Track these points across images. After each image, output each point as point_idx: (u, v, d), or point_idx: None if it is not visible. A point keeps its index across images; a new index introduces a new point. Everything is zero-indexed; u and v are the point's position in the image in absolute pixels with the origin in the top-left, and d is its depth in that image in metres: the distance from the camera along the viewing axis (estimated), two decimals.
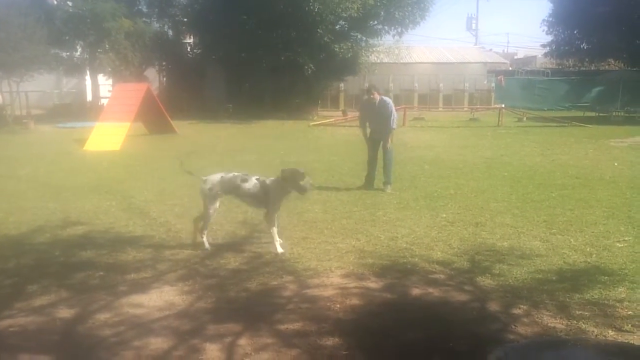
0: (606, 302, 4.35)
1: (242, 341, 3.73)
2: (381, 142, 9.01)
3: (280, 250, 5.59)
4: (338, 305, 4.29)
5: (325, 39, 24.19)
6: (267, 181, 5.77)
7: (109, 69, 25.45)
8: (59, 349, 3.71)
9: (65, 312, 4.23)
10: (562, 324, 3.95)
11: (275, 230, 5.68)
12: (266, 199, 5.68)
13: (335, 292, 4.55)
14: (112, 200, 8.21)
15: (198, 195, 6.13)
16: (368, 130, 9.08)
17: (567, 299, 4.39)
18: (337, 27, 25.80)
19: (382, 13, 25.51)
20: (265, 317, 4.11)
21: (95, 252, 5.70)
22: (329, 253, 5.59)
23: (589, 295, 4.49)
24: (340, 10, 23.17)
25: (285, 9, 23.61)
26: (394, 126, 8.95)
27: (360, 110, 9.28)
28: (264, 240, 6.09)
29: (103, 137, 15.24)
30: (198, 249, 5.75)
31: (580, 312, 4.15)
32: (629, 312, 4.12)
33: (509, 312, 4.16)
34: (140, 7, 27.89)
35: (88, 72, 27.78)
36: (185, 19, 28.38)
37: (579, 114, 26.33)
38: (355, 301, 4.39)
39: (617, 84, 28.85)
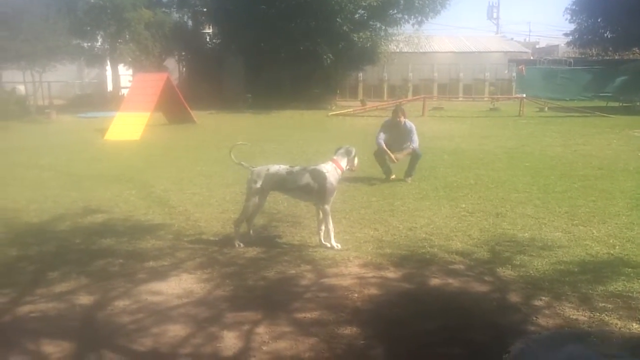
0: (630, 294, 4.25)
1: (260, 329, 3.73)
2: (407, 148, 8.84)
3: (336, 244, 5.39)
4: (356, 295, 4.27)
5: (345, 28, 24.07)
6: (320, 168, 5.46)
7: (129, 59, 25.66)
8: (79, 335, 3.75)
9: (85, 299, 4.27)
10: (585, 316, 3.87)
11: (331, 221, 5.42)
12: (320, 188, 5.40)
13: (354, 282, 4.53)
14: (132, 189, 8.27)
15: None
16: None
17: (590, 291, 4.31)
18: (357, 16, 25.63)
19: (401, 1, 25.31)
20: (283, 305, 4.10)
21: (115, 240, 5.75)
22: (347, 243, 5.56)
23: (612, 287, 4.39)
24: None
25: None
26: (417, 147, 8.80)
27: (382, 128, 8.98)
28: (281, 230, 6.10)
29: (123, 126, 15.38)
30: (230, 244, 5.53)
31: (603, 304, 4.07)
32: None
33: (530, 304, 4.10)
34: None
35: (109, 63, 28.04)
36: (204, 9, 28.47)
37: (602, 104, 25.83)
38: (373, 291, 4.36)
39: None
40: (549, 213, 6.77)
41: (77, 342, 3.63)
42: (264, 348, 3.50)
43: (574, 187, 8.30)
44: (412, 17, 26.41)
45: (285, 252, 5.35)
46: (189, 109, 18.56)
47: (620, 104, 24.78)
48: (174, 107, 18.29)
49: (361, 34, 24.81)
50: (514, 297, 4.23)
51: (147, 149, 12.83)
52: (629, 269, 4.81)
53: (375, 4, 23.44)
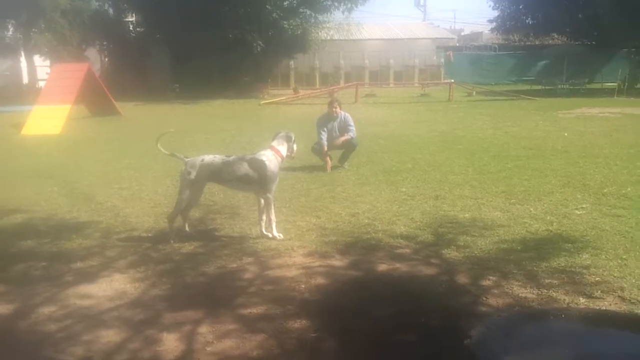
0: (573, 269, 4.30)
1: (203, 329, 3.47)
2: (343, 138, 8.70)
3: (278, 234, 5.16)
4: (303, 286, 4.07)
5: (274, 15, 23.72)
6: (258, 156, 5.19)
7: (46, 50, 24.14)
8: None
9: (3, 308, 3.84)
10: (533, 293, 3.86)
11: (273, 211, 5.19)
12: (261, 177, 5.13)
13: (300, 272, 4.33)
14: (54, 186, 7.69)
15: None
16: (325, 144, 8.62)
17: (535, 268, 4.32)
18: (286, 3, 25.37)
19: None
20: (226, 302, 3.85)
21: (37, 241, 5.27)
22: (289, 232, 5.35)
23: (555, 263, 4.43)
24: None
25: None
26: (354, 136, 8.73)
27: (319, 124, 8.78)
28: (219, 222, 5.81)
29: (42, 120, 14.43)
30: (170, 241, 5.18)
31: (549, 280, 4.08)
32: (596, 279, 4.08)
33: (479, 284, 4.05)
34: None
35: (23, 53, 26.25)
36: None
37: (526, 87, 26.90)
38: (320, 280, 4.18)
39: (562, 58, 29.65)
40: (487, 193, 6.84)
41: None
42: (208, 349, 3.24)
43: (508, 167, 8.47)
44: (342, 4, 26.34)
45: (224, 245, 5.08)
46: (113, 100, 17.68)
47: (543, 87, 25.90)
48: (97, 98, 17.38)
49: (291, 21, 24.52)
50: (462, 279, 4.18)
51: (69, 143, 12.07)
52: (569, 245, 4.89)
53: None
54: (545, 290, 3.90)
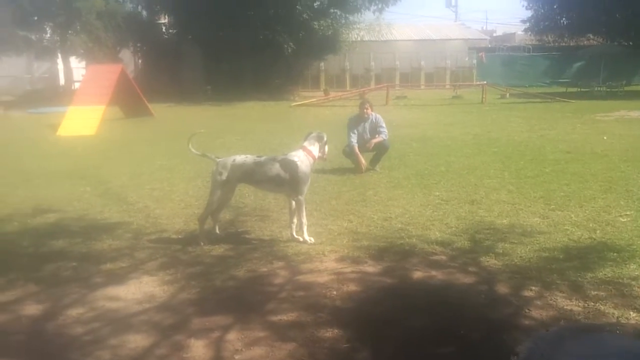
0: (620, 280, 4.07)
1: (231, 336, 3.37)
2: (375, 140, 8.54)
3: (309, 238, 5.04)
4: (335, 292, 3.94)
5: (305, 16, 23.66)
6: (290, 157, 5.07)
7: (82, 51, 24.57)
8: (25, 350, 3.31)
9: (32, 308, 3.81)
10: (579, 306, 3.65)
11: (304, 214, 5.08)
12: (293, 178, 5.02)
13: (331, 278, 4.20)
14: (87, 186, 7.73)
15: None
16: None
17: (579, 279, 4.10)
18: (317, 3, 25.24)
19: None
20: (256, 307, 3.74)
21: (68, 241, 5.27)
22: (320, 236, 5.23)
23: (601, 273, 4.20)
24: None
25: None
26: (386, 138, 8.58)
27: (350, 126, 8.63)
28: (249, 224, 5.73)
29: (77, 121, 14.60)
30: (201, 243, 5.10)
31: (595, 292, 3.86)
32: None
33: (520, 295, 3.85)
34: None
35: (60, 55, 26.79)
36: None
37: (562, 89, 26.22)
38: (353, 287, 4.04)
39: (599, 59, 28.87)
40: (524, 198, 6.60)
41: (23, 359, 3.19)
42: (237, 357, 3.14)
43: (546, 171, 8.19)
44: (373, 4, 26.16)
45: (255, 248, 4.98)
46: (146, 101, 17.84)
47: (579, 89, 25.21)
48: (130, 99, 17.55)
49: (322, 22, 24.43)
50: (502, 289, 3.98)
51: (102, 144, 12.19)
52: (614, 254, 4.64)
53: None
54: (592, 303, 3.68)
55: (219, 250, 4.96)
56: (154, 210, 6.37)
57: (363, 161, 8.36)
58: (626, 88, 25.47)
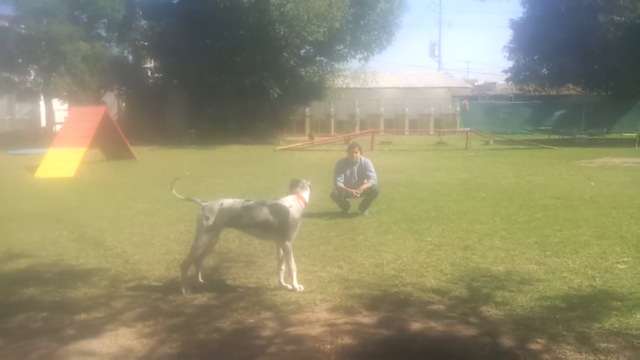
0: (629, 331, 3.85)
1: None
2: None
3: (299, 286, 4.77)
4: (329, 347, 3.65)
5: (291, 62, 23.86)
6: (282, 202, 4.90)
7: (65, 94, 24.37)
8: None
9: None
10: (589, 359, 3.42)
11: (293, 260, 4.83)
12: (282, 224, 4.80)
13: (324, 330, 3.91)
14: (63, 230, 7.38)
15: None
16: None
17: (586, 330, 3.87)
18: (303, 51, 25.57)
19: (348, 38, 25.42)
20: None
21: (40, 289, 4.92)
22: (310, 283, 4.96)
23: (607, 324, 3.98)
24: (306, 34, 22.91)
25: (250, 33, 23.22)
26: (375, 183, 8.43)
27: (337, 169, 8.53)
28: (234, 271, 5.43)
29: (56, 163, 14.29)
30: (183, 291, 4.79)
31: (604, 344, 3.63)
32: None
33: (526, 348, 3.61)
34: (98, 31, 26.96)
35: (42, 97, 26.56)
36: (145, 43, 27.59)
37: (544, 136, 26.59)
38: (348, 340, 3.75)
39: (580, 107, 29.56)
40: (518, 244, 6.42)
41: None
42: None
43: (537, 217, 8.06)
44: (359, 52, 26.58)
45: (240, 297, 4.68)
46: (128, 144, 17.61)
47: (561, 137, 25.61)
48: (113, 142, 17.31)
49: (308, 69, 24.64)
50: (506, 341, 3.73)
51: (81, 186, 11.85)
52: (617, 302, 4.45)
53: (321, 39, 23.37)
54: (603, 357, 3.45)
55: (202, 299, 4.65)
56: (133, 255, 6.05)
57: (353, 191, 8.17)
58: (607, 136, 25.92)
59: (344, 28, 24.24)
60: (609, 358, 3.44)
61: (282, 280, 4.87)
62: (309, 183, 5.22)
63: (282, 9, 22.28)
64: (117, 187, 11.72)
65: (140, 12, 27.80)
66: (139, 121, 26.15)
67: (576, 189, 10.75)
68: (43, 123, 28.60)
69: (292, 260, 4.83)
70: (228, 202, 4.90)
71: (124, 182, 12.47)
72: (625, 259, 5.76)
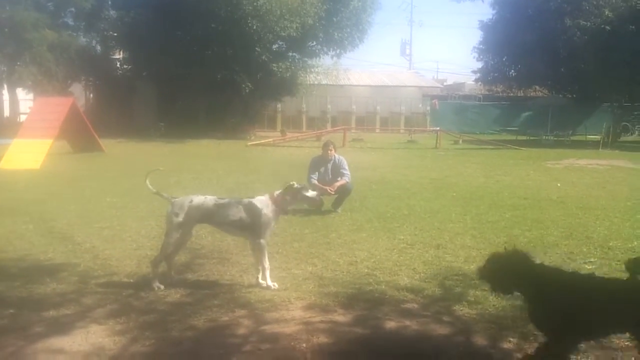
0: None
1: None
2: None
3: (273, 284, 4.74)
4: (304, 345, 3.65)
5: (263, 57, 23.74)
6: (256, 201, 4.86)
7: (30, 83, 23.71)
8: None
9: None
10: None
11: (267, 258, 4.80)
12: (254, 223, 4.77)
13: (299, 328, 3.90)
14: (29, 224, 7.18)
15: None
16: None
17: None
18: (275, 46, 25.47)
19: (321, 34, 25.42)
20: None
21: (6, 285, 4.78)
22: (284, 281, 4.94)
23: None
24: (278, 29, 22.82)
25: (222, 26, 22.98)
26: (349, 180, 8.47)
27: (311, 167, 8.57)
28: (208, 268, 5.38)
29: (21, 154, 13.92)
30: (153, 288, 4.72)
31: None
32: (626, 342, 3.72)
33: (499, 347, 3.67)
34: (65, 19, 26.40)
35: (5, 86, 25.80)
36: (114, 34, 27.06)
37: (511, 137, 27.10)
38: (323, 339, 3.75)
39: (546, 109, 30.19)
40: (489, 244, 6.51)
41: None
42: None
43: (506, 216, 8.20)
44: (331, 49, 26.62)
45: (214, 294, 4.63)
46: (96, 136, 17.25)
47: (528, 138, 26.14)
48: (80, 134, 16.95)
49: (280, 64, 24.57)
50: (479, 340, 3.79)
51: (48, 179, 11.56)
52: None
53: (294, 34, 23.31)
54: (573, 356, 3.52)
55: (175, 296, 4.59)
56: (103, 251, 5.94)
57: (327, 188, 8.16)
58: (572, 138, 26.56)
59: (317, 24, 24.24)
60: (578, 357, 3.52)
61: (260, 277, 4.83)
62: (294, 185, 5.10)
63: (255, 3, 22.15)
64: (85, 180, 11.47)
65: (110, 2, 27.26)
66: (107, 113, 25.71)
67: (543, 189, 10.98)
68: (7, 113, 27.80)
69: (266, 258, 4.80)
70: (198, 199, 4.85)
71: (92, 175, 12.22)
72: (592, 260, 5.90)
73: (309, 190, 5.14)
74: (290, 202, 5.02)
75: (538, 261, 3.34)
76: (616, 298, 3.05)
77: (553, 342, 3.14)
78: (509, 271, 3.21)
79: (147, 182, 5.01)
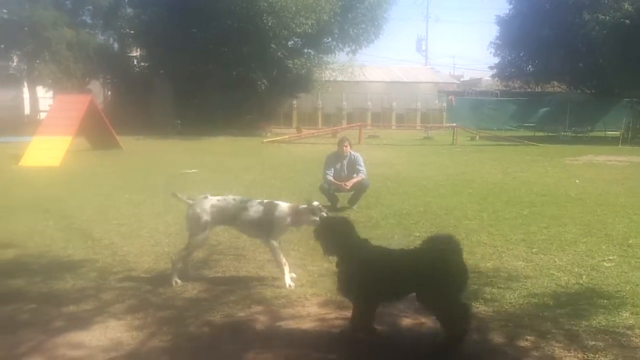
0: (616, 329, 3.91)
1: None
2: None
3: (289, 283, 4.75)
4: (319, 341, 3.66)
5: (279, 54, 23.78)
6: (275, 203, 4.94)
7: (49, 81, 24.02)
8: None
9: None
10: (578, 357, 3.47)
11: (282, 258, 4.83)
12: (270, 225, 4.83)
13: (315, 325, 3.92)
14: (49, 220, 7.29)
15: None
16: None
17: (574, 327, 3.92)
18: (291, 43, 25.50)
19: (336, 30, 25.38)
20: (234, 357, 3.43)
21: (27, 280, 4.86)
22: (300, 277, 4.96)
23: (595, 322, 4.04)
24: (294, 25, 22.83)
25: (238, 23, 23.06)
26: (365, 177, 8.45)
27: (327, 163, 8.56)
28: (224, 264, 5.42)
29: (41, 151, 14.10)
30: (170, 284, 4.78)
31: (592, 342, 3.69)
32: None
33: (516, 345, 3.65)
34: (84, 18, 26.69)
35: (26, 84, 26.17)
36: (132, 32, 27.29)
37: (529, 133, 26.81)
38: (339, 335, 3.76)
39: (564, 105, 29.78)
40: (506, 241, 6.47)
41: None
42: None
43: (523, 213, 8.13)
44: (346, 45, 26.57)
45: (231, 290, 4.67)
46: (114, 134, 17.43)
47: (546, 134, 25.83)
48: (98, 131, 17.12)
49: (296, 61, 24.59)
50: (496, 338, 3.77)
51: (67, 176, 11.71)
52: (604, 301, 4.51)
53: (310, 31, 23.31)
54: (592, 355, 3.50)
55: (192, 292, 4.64)
56: (121, 247, 6.01)
57: (343, 184, 8.19)
58: (591, 134, 26.22)
59: (332, 21, 24.20)
60: (597, 356, 3.49)
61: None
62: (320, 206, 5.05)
63: (270, 0, 22.16)
64: (104, 177, 11.60)
65: (126, 0, 27.48)
66: (124, 110, 25.92)
67: (562, 186, 10.86)
68: (27, 111, 28.19)
69: (281, 256, 4.83)
70: (218, 199, 4.93)
71: (110, 172, 12.35)
72: (611, 257, 5.83)
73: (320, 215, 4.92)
74: (305, 220, 4.99)
75: (361, 236, 3.90)
76: (406, 266, 3.56)
77: (354, 305, 3.69)
78: (331, 236, 3.79)
79: (166, 187, 5.09)
